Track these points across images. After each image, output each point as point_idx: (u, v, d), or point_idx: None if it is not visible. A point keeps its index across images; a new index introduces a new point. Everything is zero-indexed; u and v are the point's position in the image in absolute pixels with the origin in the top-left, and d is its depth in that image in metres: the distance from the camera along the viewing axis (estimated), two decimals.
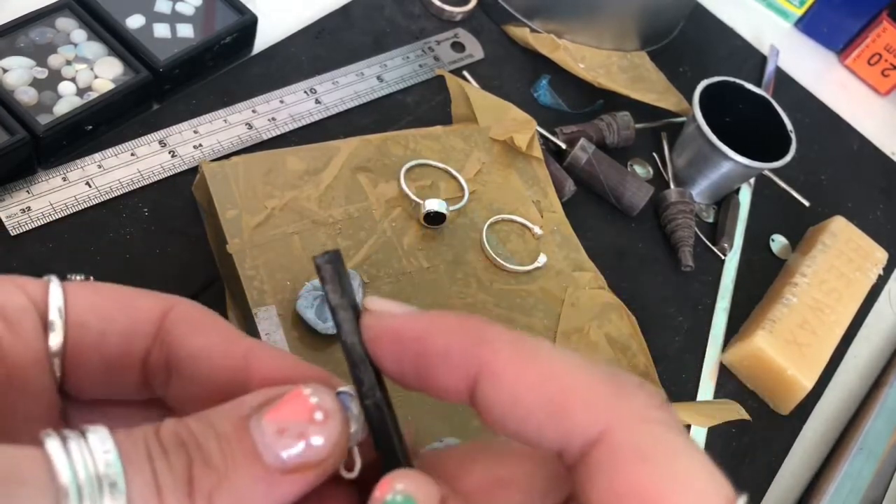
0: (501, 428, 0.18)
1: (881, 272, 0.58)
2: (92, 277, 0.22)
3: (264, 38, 0.54)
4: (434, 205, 0.45)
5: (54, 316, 0.20)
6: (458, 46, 0.60)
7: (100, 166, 0.45)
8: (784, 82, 0.73)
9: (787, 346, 0.50)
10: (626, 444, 0.17)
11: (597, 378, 0.18)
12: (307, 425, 0.17)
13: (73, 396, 0.21)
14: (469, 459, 0.20)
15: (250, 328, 0.40)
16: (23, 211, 0.42)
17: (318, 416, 0.18)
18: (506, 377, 0.18)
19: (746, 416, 0.42)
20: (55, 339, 0.20)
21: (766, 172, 0.64)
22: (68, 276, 0.21)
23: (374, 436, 0.20)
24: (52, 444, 0.16)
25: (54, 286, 0.20)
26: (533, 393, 0.18)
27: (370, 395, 0.20)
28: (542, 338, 0.19)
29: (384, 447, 0.20)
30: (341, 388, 0.19)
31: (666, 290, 0.54)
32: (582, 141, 0.55)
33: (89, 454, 0.16)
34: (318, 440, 0.17)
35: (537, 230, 0.49)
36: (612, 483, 0.17)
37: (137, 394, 0.21)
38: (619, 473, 0.17)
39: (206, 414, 0.18)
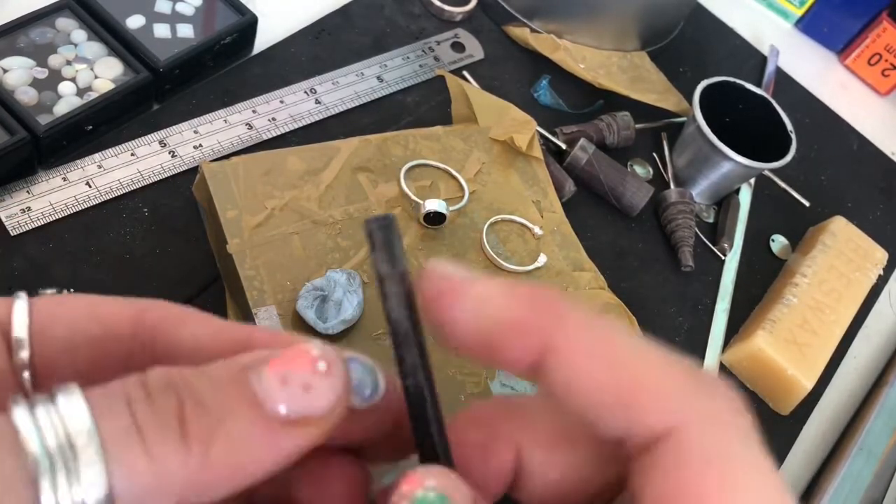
0: (564, 405, 0.17)
1: (881, 272, 0.58)
2: (66, 291, 0.22)
3: (264, 39, 0.54)
4: (434, 205, 0.45)
5: (20, 333, 0.19)
6: (458, 46, 0.60)
7: (100, 166, 0.45)
8: (784, 82, 0.73)
9: (787, 346, 0.50)
10: (695, 446, 0.16)
11: (674, 372, 0.17)
12: (311, 376, 0.17)
13: None
14: (537, 411, 0.20)
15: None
16: (23, 211, 0.42)
17: (322, 366, 0.17)
18: (575, 360, 0.17)
19: None
20: (23, 356, 0.19)
21: (766, 172, 0.64)
22: (39, 292, 0.21)
23: (412, 422, 0.18)
24: (20, 413, 0.15)
25: (19, 303, 0.19)
26: (602, 379, 0.17)
27: (411, 374, 0.18)
28: (619, 321, 0.18)
29: (421, 435, 0.18)
30: (348, 354, 0.18)
31: (666, 290, 0.54)
32: (582, 141, 0.55)
33: (58, 416, 0.15)
34: (321, 392, 0.17)
35: (537, 230, 0.49)
36: (672, 482, 0.16)
37: None
38: (681, 474, 0.16)
39: (203, 367, 0.17)
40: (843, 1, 0.77)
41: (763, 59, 0.74)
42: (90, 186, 0.44)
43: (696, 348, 0.52)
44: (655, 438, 0.17)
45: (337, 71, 0.55)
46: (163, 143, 0.47)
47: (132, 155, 0.46)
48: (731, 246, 0.58)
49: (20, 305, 0.19)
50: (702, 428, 0.17)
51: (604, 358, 0.17)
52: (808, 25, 0.81)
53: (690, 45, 0.71)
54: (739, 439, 0.17)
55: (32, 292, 0.20)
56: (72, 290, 0.22)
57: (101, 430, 0.15)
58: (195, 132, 0.48)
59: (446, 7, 0.61)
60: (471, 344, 0.18)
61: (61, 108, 0.44)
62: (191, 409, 0.16)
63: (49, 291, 0.20)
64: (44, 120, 0.43)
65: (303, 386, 0.16)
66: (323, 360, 0.17)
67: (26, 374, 0.19)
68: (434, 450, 0.18)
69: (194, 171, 0.46)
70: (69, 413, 0.15)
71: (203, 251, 0.44)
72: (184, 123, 0.48)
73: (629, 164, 0.59)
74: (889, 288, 0.62)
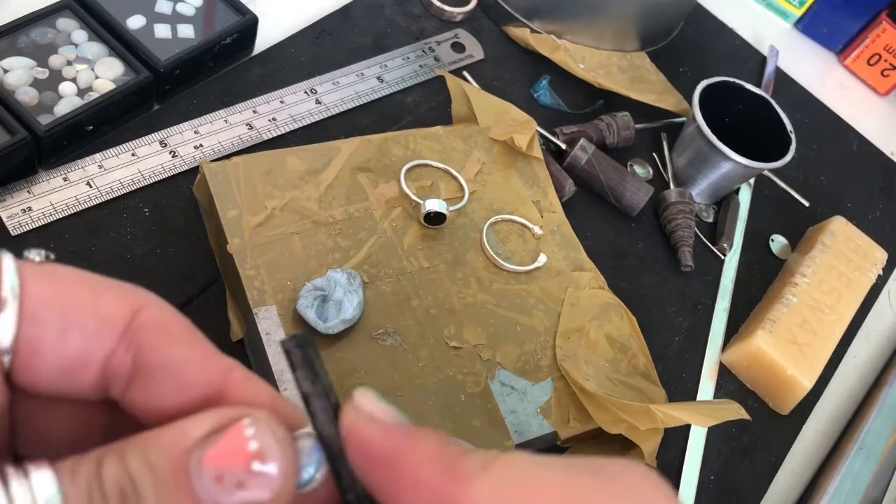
0: None
1: (881, 272, 0.58)
2: (53, 256, 0.21)
3: (265, 39, 0.54)
4: (434, 205, 0.45)
5: (6, 292, 0.18)
6: (458, 47, 0.60)
7: (100, 166, 0.45)
8: (784, 82, 0.73)
9: (787, 346, 0.50)
10: None
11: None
12: (245, 475, 0.17)
13: (21, 389, 0.19)
14: None
15: (250, 328, 0.40)
16: (24, 211, 0.42)
17: (256, 466, 0.17)
18: None
19: (746, 416, 0.42)
20: (5, 324, 0.18)
21: (766, 172, 0.64)
22: (25, 255, 0.19)
23: None
24: None
25: (7, 260, 0.18)
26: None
27: (350, 489, 0.18)
28: (530, 461, 0.18)
29: None
30: (300, 431, 0.18)
31: (666, 290, 0.54)
32: (582, 141, 0.55)
33: (31, 500, 0.15)
34: (255, 492, 0.17)
35: (537, 230, 0.49)
36: None
37: (91, 394, 0.20)
38: None
39: (147, 446, 0.17)
40: (842, 1, 0.77)
41: (763, 60, 0.74)
42: (91, 186, 0.44)
43: (696, 348, 0.52)
44: None
45: (337, 71, 0.55)
46: (163, 143, 0.47)
47: (133, 155, 0.46)
48: (730, 246, 0.58)
49: (7, 263, 0.18)
50: None
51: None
52: (808, 26, 0.81)
53: (690, 45, 0.71)
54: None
55: (18, 255, 0.19)
56: (52, 256, 0.21)
57: None
58: (196, 132, 0.48)
59: (446, 7, 0.61)
60: (375, 491, 0.18)
61: (62, 109, 0.44)
62: None
63: (36, 256, 0.19)
64: (44, 120, 0.43)
65: (237, 484, 0.17)
66: (258, 459, 0.17)
67: (7, 358, 0.18)
68: None
69: (195, 171, 0.46)
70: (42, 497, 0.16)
71: (203, 251, 0.44)
72: (184, 123, 0.48)
73: (629, 164, 0.60)
74: (888, 288, 0.62)
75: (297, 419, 0.20)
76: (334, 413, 0.18)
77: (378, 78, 0.56)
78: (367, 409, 0.18)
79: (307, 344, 0.19)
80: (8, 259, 0.18)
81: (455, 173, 0.48)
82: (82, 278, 0.20)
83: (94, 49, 0.47)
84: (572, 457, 0.18)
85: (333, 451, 0.18)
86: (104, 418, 0.21)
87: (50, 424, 0.20)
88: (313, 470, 0.18)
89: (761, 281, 0.58)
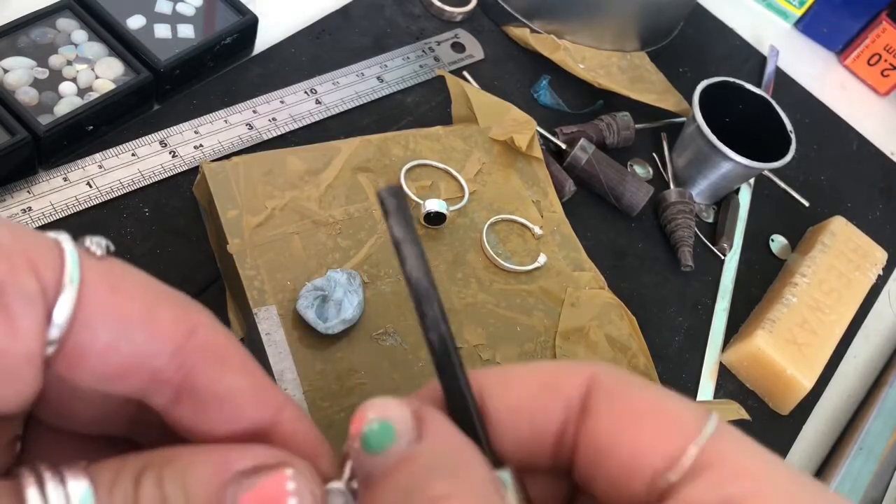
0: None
1: (881, 272, 0.58)
2: (113, 248, 0.20)
3: (265, 39, 0.54)
4: (434, 205, 0.45)
5: (60, 317, 0.17)
6: (458, 47, 0.60)
7: (101, 166, 0.45)
8: (784, 82, 0.73)
9: (787, 346, 0.50)
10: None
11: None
12: None
13: (58, 379, 0.18)
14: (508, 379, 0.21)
15: (250, 328, 0.40)
16: (24, 211, 0.42)
17: None
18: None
19: (746, 416, 0.42)
20: (61, 314, 0.17)
21: (766, 172, 0.64)
22: (84, 242, 0.19)
23: (438, 372, 0.19)
24: (31, 491, 0.15)
25: (68, 246, 0.17)
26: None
27: (434, 328, 0.19)
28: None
29: (447, 382, 0.19)
30: (332, 485, 0.19)
31: (666, 290, 0.54)
32: (582, 141, 0.55)
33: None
34: None
35: (537, 230, 0.49)
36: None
37: (128, 397, 0.19)
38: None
39: (187, 469, 0.17)
40: (842, 1, 0.77)
41: (763, 60, 0.74)
42: (91, 186, 0.44)
43: (696, 348, 0.52)
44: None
45: (337, 71, 0.55)
46: (163, 143, 0.47)
47: (133, 155, 0.46)
48: (730, 246, 0.58)
49: (70, 253, 0.17)
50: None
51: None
52: (808, 26, 0.81)
53: (690, 45, 0.71)
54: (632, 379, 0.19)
55: (77, 239, 0.18)
56: (112, 247, 0.20)
57: None
58: (196, 132, 0.48)
59: (446, 7, 0.61)
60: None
61: (62, 108, 0.44)
62: None
63: (93, 242, 0.18)
64: (44, 120, 0.43)
65: None
66: (296, 497, 0.17)
67: (57, 322, 0.17)
68: (461, 394, 0.19)
69: (195, 171, 0.46)
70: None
71: (203, 251, 0.44)
72: (184, 123, 0.48)
73: (629, 164, 0.60)
74: (888, 288, 0.62)
75: (333, 469, 0.20)
76: (422, 259, 0.19)
77: (378, 78, 0.56)
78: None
79: (400, 193, 0.20)
80: (69, 245, 0.18)
81: (455, 173, 0.48)
82: (140, 285, 0.19)
83: (94, 49, 0.47)
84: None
85: (420, 295, 0.19)
86: (133, 407, 0.21)
87: (78, 409, 0.20)
88: None
89: (761, 281, 0.58)
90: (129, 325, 0.18)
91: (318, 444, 0.20)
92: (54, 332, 0.17)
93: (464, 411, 0.19)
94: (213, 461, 0.17)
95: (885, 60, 0.77)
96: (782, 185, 0.64)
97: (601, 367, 0.20)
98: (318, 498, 0.18)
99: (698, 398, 0.50)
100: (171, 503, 0.16)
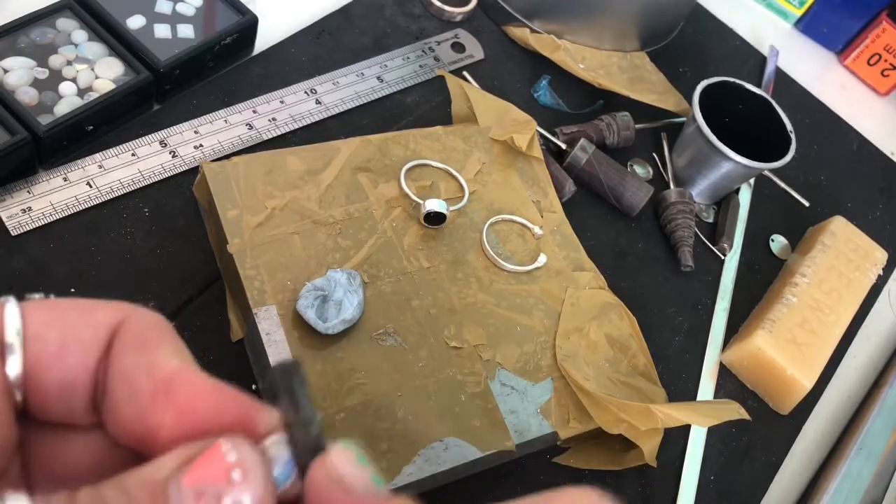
0: None
1: (881, 272, 0.58)
2: (52, 295, 0.21)
3: (265, 39, 0.54)
4: (434, 205, 0.45)
5: (12, 338, 0.19)
6: (458, 47, 0.60)
7: (100, 166, 0.45)
8: (784, 82, 0.73)
9: (787, 346, 0.50)
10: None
11: None
12: (225, 486, 0.17)
13: (35, 417, 0.20)
14: None
15: (250, 328, 0.40)
16: (24, 211, 0.42)
17: (237, 475, 0.17)
18: None
19: (746, 416, 0.42)
20: (14, 364, 0.19)
21: (766, 172, 0.64)
22: (26, 297, 0.20)
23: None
24: None
25: (10, 306, 0.19)
26: None
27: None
28: None
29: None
30: (270, 440, 0.19)
31: (666, 290, 0.54)
32: (582, 141, 0.55)
33: None
34: (238, 501, 0.17)
35: (537, 230, 0.49)
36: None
37: (88, 417, 0.20)
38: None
39: (123, 479, 0.17)
40: (842, 1, 0.77)
41: (763, 60, 0.74)
42: (91, 186, 0.44)
43: (696, 348, 0.52)
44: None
45: (337, 71, 0.55)
46: (163, 143, 0.47)
47: (133, 155, 0.46)
48: (730, 246, 0.58)
49: (12, 309, 0.19)
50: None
51: None
52: (808, 26, 0.81)
53: (690, 45, 0.71)
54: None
55: (20, 297, 0.20)
56: (52, 295, 0.22)
57: None
58: (196, 132, 0.48)
59: (446, 7, 0.61)
60: None
61: (62, 109, 0.44)
62: None
63: (36, 296, 0.20)
64: (44, 120, 0.43)
65: (218, 498, 0.17)
66: (238, 468, 0.17)
67: (17, 391, 0.19)
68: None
69: (195, 171, 0.46)
70: None
71: (203, 251, 0.44)
72: (184, 123, 0.48)
73: (629, 164, 0.60)
74: (888, 288, 0.62)
75: (252, 413, 0.20)
76: (312, 448, 0.18)
77: (378, 78, 0.56)
78: (338, 470, 0.18)
79: (293, 371, 0.19)
80: (11, 305, 0.19)
81: (455, 173, 0.48)
82: (77, 301, 0.20)
83: (94, 49, 0.47)
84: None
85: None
86: (121, 458, 0.21)
87: (65, 463, 0.21)
88: (281, 468, 0.18)
89: (761, 281, 0.58)
90: (71, 325, 0.19)
91: (230, 399, 0.20)
92: (13, 374, 0.19)
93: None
94: (149, 467, 0.18)
95: (885, 60, 0.77)
96: (782, 185, 0.64)
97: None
98: (261, 462, 0.18)
99: (698, 398, 0.50)
100: (111, 502, 0.17)
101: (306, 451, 0.18)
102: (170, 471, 0.17)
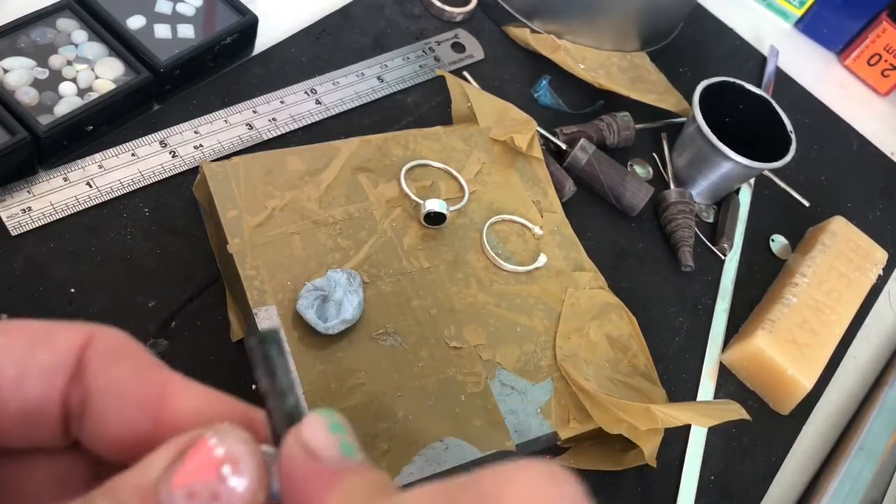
0: None
1: (881, 272, 0.58)
2: (6, 316, 0.21)
3: (265, 39, 0.54)
4: (434, 205, 0.45)
5: None
6: (458, 47, 0.60)
7: (100, 166, 0.45)
8: (784, 82, 0.73)
9: (787, 346, 0.50)
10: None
11: None
12: (216, 483, 0.17)
13: None
14: None
15: (250, 328, 0.40)
16: (23, 211, 0.42)
17: (226, 470, 0.17)
18: None
19: (746, 416, 0.42)
20: None
21: (766, 172, 0.64)
22: None
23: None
24: None
25: None
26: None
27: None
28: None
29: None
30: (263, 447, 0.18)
31: (666, 290, 0.54)
32: (582, 141, 0.55)
33: None
34: (231, 497, 0.16)
35: (537, 230, 0.49)
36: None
37: (58, 440, 0.20)
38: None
39: (113, 489, 0.17)
40: (842, 1, 0.77)
41: (763, 60, 0.74)
42: (91, 186, 0.44)
43: (696, 348, 0.52)
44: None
45: (337, 71, 0.55)
46: (163, 144, 0.47)
47: (133, 155, 0.46)
48: (730, 246, 0.58)
49: None
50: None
51: None
52: (808, 26, 0.81)
53: (690, 45, 0.71)
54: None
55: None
56: (5, 315, 0.21)
57: None
58: (196, 132, 0.48)
59: (446, 8, 0.61)
60: None
61: (62, 109, 0.44)
62: None
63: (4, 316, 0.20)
64: (44, 120, 0.43)
65: (211, 496, 0.16)
66: (227, 462, 0.17)
67: None
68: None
69: (195, 171, 0.46)
70: None
71: (203, 251, 0.44)
72: (184, 123, 0.48)
73: (629, 164, 0.60)
74: (889, 288, 0.62)
75: (246, 416, 0.19)
76: (288, 418, 0.18)
77: (378, 78, 0.56)
78: (307, 438, 0.17)
79: (269, 340, 0.18)
80: None
81: (455, 173, 0.48)
82: (36, 323, 0.19)
83: (94, 49, 0.47)
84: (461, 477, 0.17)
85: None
86: (87, 474, 0.21)
87: (36, 487, 0.20)
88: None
89: (761, 281, 0.58)
90: (30, 350, 0.19)
91: (225, 405, 0.19)
92: None
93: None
94: (136, 470, 0.17)
95: (885, 60, 0.77)
96: (782, 185, 0.64)
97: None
98: (250, 452, 0.17)
99: (698, 398, 0.50)
100: None
101: (282, 422, 0.18)
102: (160, 471, 0.17)
